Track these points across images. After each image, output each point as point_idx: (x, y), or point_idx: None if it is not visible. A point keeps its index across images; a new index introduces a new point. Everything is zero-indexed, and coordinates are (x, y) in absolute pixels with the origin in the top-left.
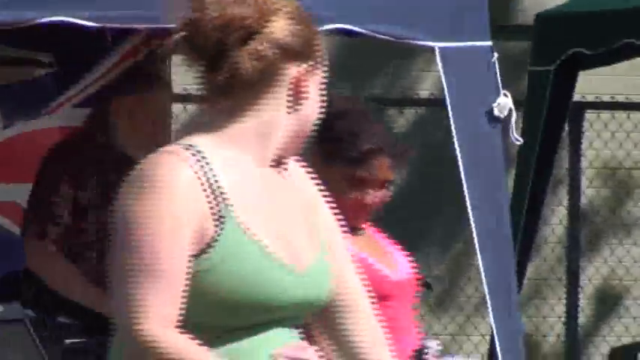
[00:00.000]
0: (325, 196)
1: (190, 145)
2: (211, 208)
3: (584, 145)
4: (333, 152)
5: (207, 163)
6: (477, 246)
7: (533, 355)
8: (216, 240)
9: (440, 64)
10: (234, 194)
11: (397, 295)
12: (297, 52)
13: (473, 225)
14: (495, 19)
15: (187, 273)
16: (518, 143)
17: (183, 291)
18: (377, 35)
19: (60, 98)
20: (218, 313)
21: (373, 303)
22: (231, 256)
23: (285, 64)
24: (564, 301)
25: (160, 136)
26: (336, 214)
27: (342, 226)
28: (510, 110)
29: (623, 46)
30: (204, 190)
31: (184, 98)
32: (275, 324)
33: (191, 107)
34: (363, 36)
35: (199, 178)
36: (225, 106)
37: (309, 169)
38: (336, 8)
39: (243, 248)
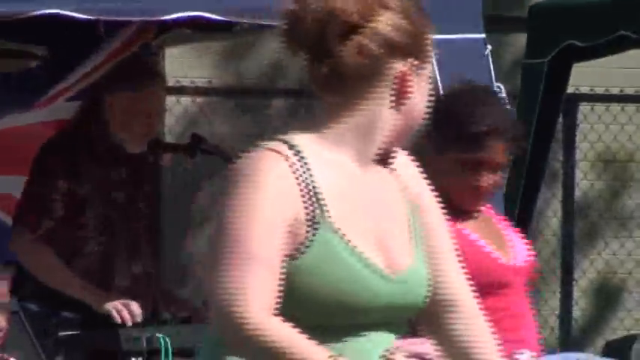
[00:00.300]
0: (434, 190)
1: (290, 143)
2: (306, 210)
3: (578, 137)
4: (447, 137)
5: (305, 164)
6: None
7: None
8: (308, 244)
9: (433, 57)
10: (330, 197)
11: (512, 281)
12: (404, 48)
13: None
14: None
15: (282, 267)
16: None
17: (279, 285)
18: None
19: (52, 91)
20: (307, 314)
21: (487, 292)
22: (324, 262)
23: (390, 60)
24: (559, 295)
25: (154, 129)
26: (444, 207)
27: (453, 214)
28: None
29: (618, 38)
30: (301, 193)
31: (178, 90)
32: (369, 327)
33: (184, 99)
34: None
35: (297, 179)
36: (329, 102)
37: (417, 164)
38: None
39: (336, 254)
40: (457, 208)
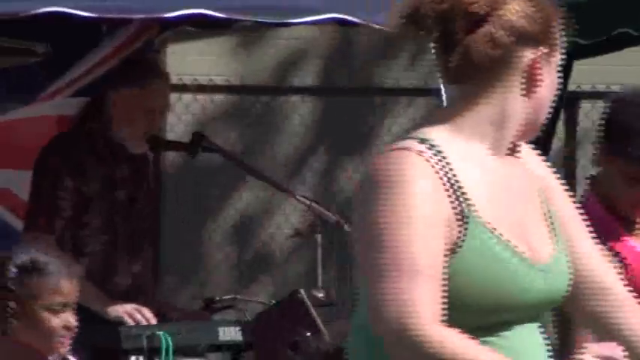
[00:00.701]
0: (563, 184)
1: (425, 139)
2: (454, 208)
3: (580, 134)
4: (614, 147)
5: (443, 158)
6: None
7: None
8: (461, 242)
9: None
10: (473, 191)
11: None
12: (533, 36)
13: None
14: None
15: (444, 272)
16: None
17: (443, 290)
18: (372, 25)
19: (54, 86)
20: (465, 313)
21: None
22: (478, 258)
23: (520, 49)
24: None
25: (156, 127)
26: (611, 217)
27: (620, 225)
28: None
29: (619, 36)
30: (445, 189)
31: (180, 88)
32: (518, 321)
33: (186, 97)
34: (358, 25)
35: (439, 176)
36: (459, 94)
37: (540, 155)
38: None
39: (489, 248)
40: (624, 219)
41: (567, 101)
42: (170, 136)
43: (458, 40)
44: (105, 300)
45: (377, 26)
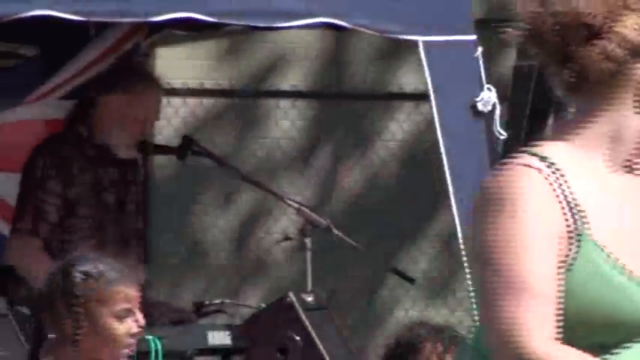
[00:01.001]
0: None
1: (541, 155)
2: (568, 226)
3: None
4: None
5: (561, 175)
6: (460, 240)
7: None
8: (572, 261)
9: (423, 58)
10: (589, 208)
11: None
12: None
13: (457, 219)
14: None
15: (559, 291)
16: (502, 138)
17: (558, 309)
18: (361, 29)
19: (42, 88)
20: (574, 332)
21: None
22: (589, 278)
23: (634, 63)
24: None
25: (145, 134)
26: None
27: None
28: (494, 105)
29: None
30: (561, 206)
31: (169, 92)
32: (628, 340)
33: (175, 101)
34: (347, 30)
35: (555, 193)
36: (576, 108)
37: None
38: (320, 2)
39: (600, 268)
40: None
41: (556, 105)
42: (159, 139)
43: (573, 53)
44: None
45: (366, 30)
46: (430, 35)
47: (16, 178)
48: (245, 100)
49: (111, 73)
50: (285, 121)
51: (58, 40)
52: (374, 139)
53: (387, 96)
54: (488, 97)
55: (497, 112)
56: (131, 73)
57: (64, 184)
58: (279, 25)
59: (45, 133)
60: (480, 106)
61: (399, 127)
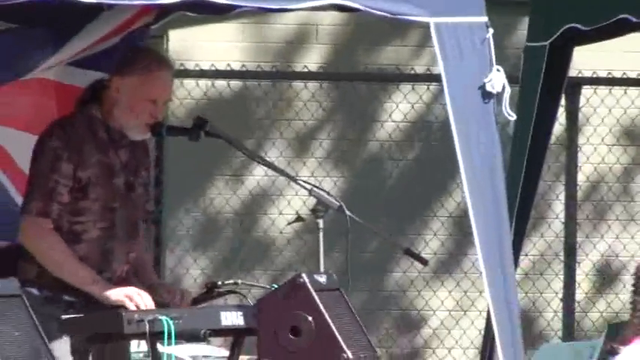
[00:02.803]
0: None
1: None
2: None
3: (581, 120)
4: None
5: None
6: (472, 221)
7: (530, 331)
8: None
9: (435, 40)
10: None
11: None
12: None
13: (469, 200)
14: None
15: None
16: (511, 119)
17: None
18: (372, 11)
19: (48, 61)
20: None
21: None
22: None
23: None
24: (561, 277)
25: (159, 116)
26: None
27: None
28: (504, 86)
29: (619, 22)
30: None
31: (181, 73)
32: None
33: (188, 82)
34: (358, 11)
35: None
36: None
37: None
38: None
39: None
40: None
41: (568, 87)
42: (172, 121)
43: None
44: (104, 284)
45: (376, 12)
46: (441, 17)
47: (19, 136)
48: (257, 81)
49: (123, 54)
50: (299, 102)
51: (70, 13)
52: (385, 120)
53: (398, 77)
54: (497, 78)
55: (507, 93)
56: (143, 54)
57: (75, 165)
58: (290, 6)
59: (53, 94)
60: (488, 87)
61: (410, 107)
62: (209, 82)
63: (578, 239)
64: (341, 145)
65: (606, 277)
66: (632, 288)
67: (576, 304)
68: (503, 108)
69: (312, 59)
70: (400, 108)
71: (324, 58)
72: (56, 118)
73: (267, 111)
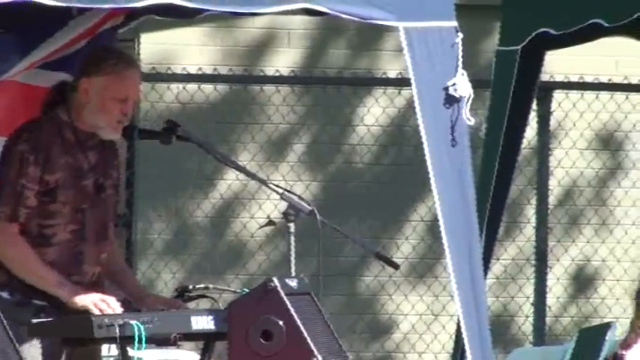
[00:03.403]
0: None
1: None
2: None
3: (553, 125)
4: None
5: None
6: (442, 226)
7: (501, 335)
8: None
9: (404, 44)
10: None
11: None
12: None
13: (438, 204)
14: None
15: None
16: (469, 123)
17: None
18: (341, 15)
19: (18, 66)
20: None
21: None
22: None
23: None
24: (533, 282)
25: (128, 115)
26: None
27: None
28: (467, 90)
29: (590, 26)
30: None
31: (153, 77)
32: None
33: (160, 86)
34: (328, 15)
35: None
36: None
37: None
38: None
39: None
40: None
41: (540, 91)
42: (144, 124)
43: None
44: (70, 288)
45: (346, 16)
46: (411, 21)
47: None
48: (229, 85)
49: (89, 56)
50: (271, 106)
51: (40, 19)
52: (357, 124)
53: (370, 81)
54: (461, 82)
55: (466, 97)
56: (110, 54)
57: (43, 169)
58: (259, 10)
59: (20, 97)
60: (451, 91)
61: (381, 111)
62: (180, 86)
63: (550, 244)
64: (313, 149)
65: (578, 281)
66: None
67: (548, 309)
68: (463, 112)
69: (284, 63)
70: (372, 112)
71: (297, 62)
72: (23, 122)
73: (239, 115)
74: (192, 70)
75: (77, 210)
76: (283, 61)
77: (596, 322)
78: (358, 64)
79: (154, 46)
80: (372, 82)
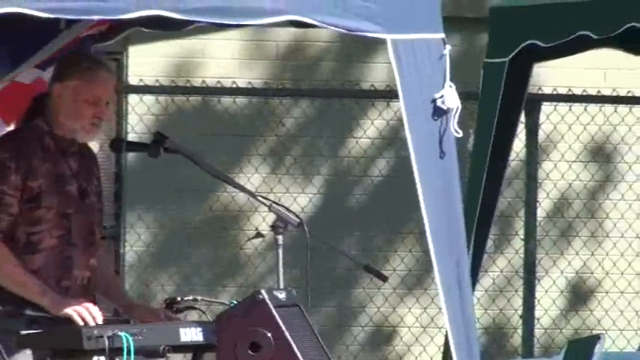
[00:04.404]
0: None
1: None
2: None
3: (541, 137)
4: None
5: None
6: (429, 238)
7: (490, 348)
8: None
9: (392, 56)
10: None
11: None
12: None
13: (425, 216)
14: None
15: None
16: (457, 135)
17: None
18: (329, 27)
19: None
20: None
21: None
22: None
23: None
24: (521, 294)
25: (103, 116)
26: None
27: None
28: (455, 102)
29: (578, 38)
30: None
31: (141, 89)
32: None
33: (147, 98)
34: (314, 27)
35: None
36: None
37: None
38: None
39: None
40: None
41: (528, 103)
42: (131, 137)
43: None
44: (53, 297)
45: (333, 28)
46: (398, 33)
47: None
48: (217, 96)
49: (60, 62)
50: (259, 118)
51: (30, 32)
52: (346, 137)
53: (359, 93)
54: (448, 95)
55: (454, 110)
56: (79, 58)
57: (24, 176)
58: (246, 22)
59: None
60: (439, 103)
61: (370, 124)
62: (169, 98)
63: (538, 256)
64: (303, 161)
65: (567, 294)
66: None
67: (536, 321)
68: (451, 125)
69: (275, 74)
70: (361, 125)
71: (288, 74)
72: (3, 133)
73: (228, 127)
74: (181, 83)
75: (62, 215)
76: (274, 72)
77: (585, 334)
78: (347, 75)
79: (142, 59)
80: (360, 94)
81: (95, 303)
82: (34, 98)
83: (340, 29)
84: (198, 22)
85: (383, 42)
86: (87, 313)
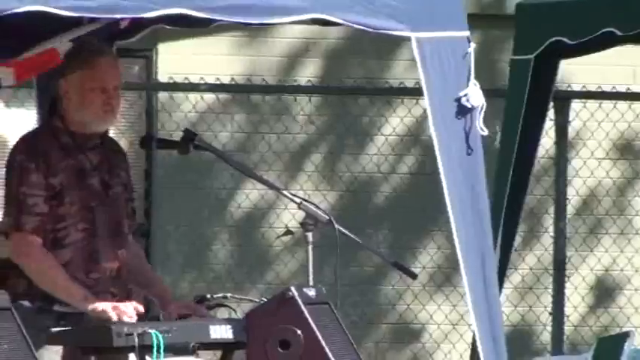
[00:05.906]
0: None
1: None
2: None
3: (571, 134)
4: None
5: None
6: (455, 236)
7: (519, 345)
8: None
9: (416, 54)
10: None
11: None
12: None
13: (451, 214)
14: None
15: None
16: (483, 133)
17: None
18: (354, 25)
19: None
20: None
21: None
22: None
23: None
24: (551, 291)
25: (112, 104)
26: None
27: None
28: (480, 100)
29: (604, 35)
30: None
31: (171, 87)
32: None
33: (178, 96)
34: (339, 26)
35: None
36: None
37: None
38: None
39: None
40: None
41: (558, 101)
42: (161, 134)
43: None
44: (85, 297)
45: (358, 26)
46: (422, 31)
47: None
48: (246, 95)
49: (65, 56)
50: (289, 116)
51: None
52: (374, 134)
53: (388, 91)
54: (473, 92)
55: (480, 108)
56: (78, 49)
57: (45, 174)
58: (270, 21)
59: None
60: (464, 101)
61: (400, 121)
62: (198, 96)
63: (568, 253)
64: (332, 159)
65: (596, 291)
66: None
67: (566, 318)
68: (477, 123)
69: (303, 72)
70: (390, 122)
71: (316, 72)
72: (22, 135)
73: (256, 124)
74: (210, 80)
75: (86, 209)
76: (303, 70)
77: (614, 331)
78: (376, 73)
79: (172, 56)
80: (389, 91)
81: (131, 295)
82: (52, 99)
83: (365, 27)
84: (222, 20)
85: (409, 39)
86: (118, 312)
